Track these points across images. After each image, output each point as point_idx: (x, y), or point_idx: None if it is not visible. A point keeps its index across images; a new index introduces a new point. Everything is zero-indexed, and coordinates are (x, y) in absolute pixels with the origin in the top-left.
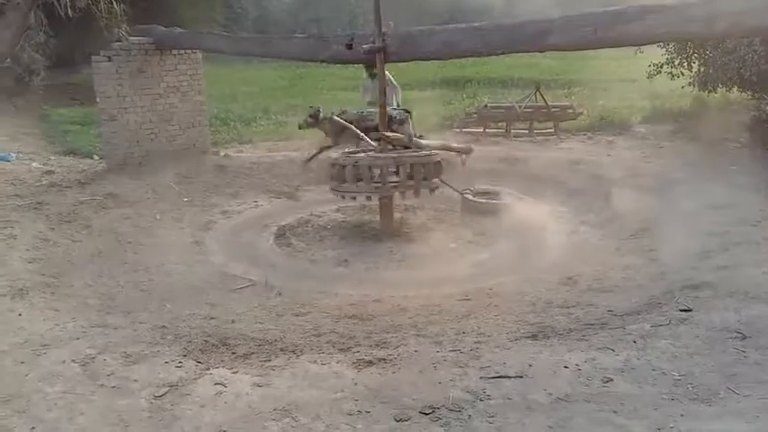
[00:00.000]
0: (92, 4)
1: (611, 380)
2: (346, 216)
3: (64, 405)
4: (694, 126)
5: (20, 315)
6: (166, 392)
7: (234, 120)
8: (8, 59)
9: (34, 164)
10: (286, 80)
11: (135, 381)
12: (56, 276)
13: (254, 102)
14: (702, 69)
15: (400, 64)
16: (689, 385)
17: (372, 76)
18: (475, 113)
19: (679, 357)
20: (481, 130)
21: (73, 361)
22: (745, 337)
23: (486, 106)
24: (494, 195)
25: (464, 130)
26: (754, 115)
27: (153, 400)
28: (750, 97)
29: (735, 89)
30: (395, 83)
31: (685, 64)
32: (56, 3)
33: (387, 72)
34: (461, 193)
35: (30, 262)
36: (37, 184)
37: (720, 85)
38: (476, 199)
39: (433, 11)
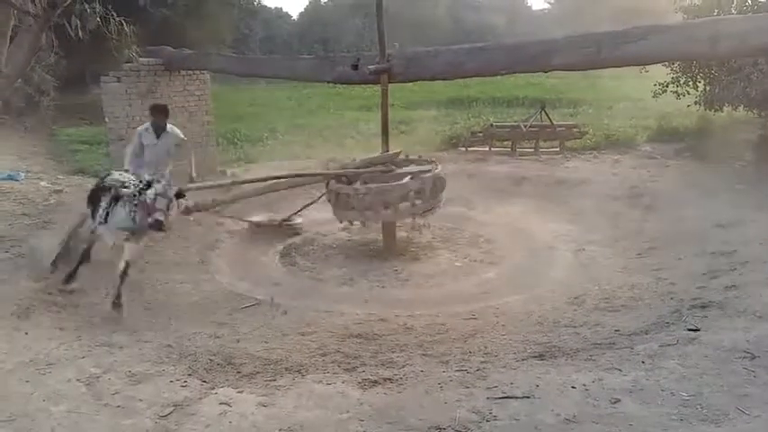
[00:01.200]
0: (102, 26)
1: (619, 400)
2: (351, 235)
3: (68, 425)
4: (700, 145)
5: (26, 334)
6: (171, 412)
7: (241, 139)
8: (19, 80)
9: (42, 183)
10: (293, 100)
11: (140, 400)
12: (61, 295)
13: (261, 122)
14: (708, 88)
15: (406, 84)
16: (698, 406)
17: (159, 130)
18: (480, 132)
19: (687, 377)
20: (487, 148)
21: (78, 380)
22: (754, 357)
23: (491, 125)
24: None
25: (469, 149)
26: (761, 134)
27: (158, 420)
28: (756, 116)
29: (741, 108)
30: (181, 135)
31: (690, 83)
32: (67, 24)
33: (172, 126)
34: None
35: (36, 281)
36: (45, 203)
37: (726, 104)
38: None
39: (437, 32)
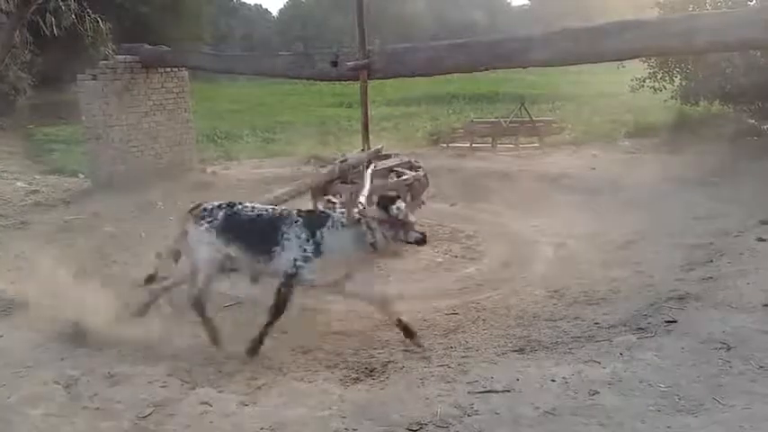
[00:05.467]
0: (77, 23)
1: (598, 392)
2: None
3: (46, 428)
4: (677, 139)
5: (1, 336)
6: (151, 413)
7: (221, 137)
8: None
9: (19, 183)
10: (273, 97)
11: (119, 402)
12: (40, 296)
13: (241, 119)
14: (684, 83)
15: (387, 80)
16: (675, 397)
17: None
18: (461, 129)
19: (665, 369)
20: (468, 144)
21: (56, 382)
22: (729, 348)
23: (472, 121)
24: None
25: (450, 145)
26: (736, 128)
27: (137, 422)
28: (731, 110)
29: (716, 102)
30: None
31: (667, 78)
32: (41, 22)
33: None
34: None
35: (13, 282)
36: (21, 203)
37: (702, 99)
38: None
39: (418, 28)
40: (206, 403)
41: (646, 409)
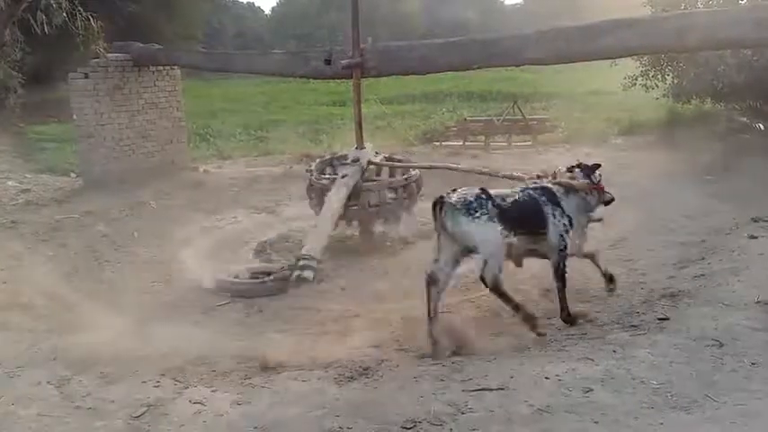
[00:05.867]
0: (69, 21)
1: (592, 390)
2: None
3: (38, 428)
4: (669, 137)
5: None
6: (144, 413)
7: (213, 135)
8: None
9: (10, 182)
10: (266, 96)
11: (112, 401)
12: (32, 296)
13: (234, 118)
14: (676, 81)
15: (381, 79)
16: (668, 394)
17: None
18: (454, 127)
19: (658, 366)
20: (461, 143)
21: (48, 382)
22: (721, 345)
23: (465, 120)
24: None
25: (444, 143)
26: (727, 126)
27: (130, 421)
28: (723, 108)
29: (708, 100)
30: None
31: (659, 76)
32: (32, 20)
33: None
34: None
35: (4, 282)
36: (12, 202)
37: (694, 97)
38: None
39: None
40: (199, 403)
41: (639, 406)
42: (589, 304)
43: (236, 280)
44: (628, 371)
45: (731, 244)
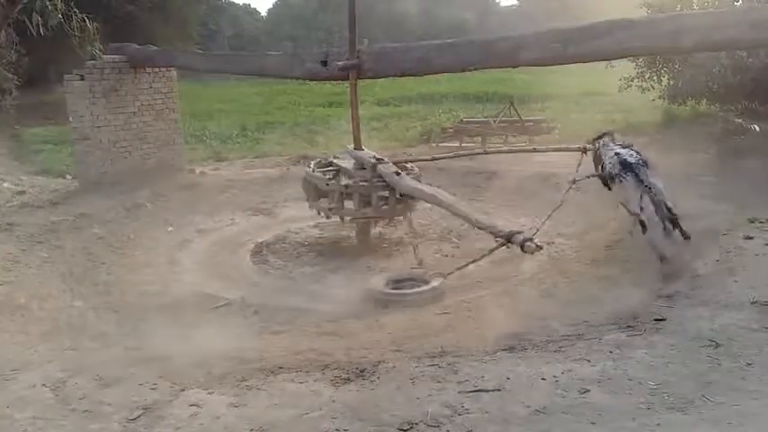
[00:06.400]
0: (64, 23)
1: (588, 391)
2: (324, 232)
3: (34, 431)
4: (665, 138)
5: None
6: (140, 415)
7: (210, 137)
8: None
9: (5, 184)
10: (263, 97)
11: (108, 404)
12: (27, 299)
13: (231, 119)
14: (671, 83)
15: (377, 80)
16: (665, 394)
17: None
18: (451, 128)
19: (654, 367)
20: (457, 144)
21: (44, 385)
22: (718, 345)
23: (461, 121)
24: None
25: (440, 144)
26: (723, 127)
27: (126, 424)
28: (718, 109)
29: (704, 102)
30: None
31: (655, 78)
32: (28, 21)
33: None
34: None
35: (0, 284)
36: (8, 204)
37: (689, 98)
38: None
39: (407, 27)
40: (195, 405)
41: (636, 406)
42: (586, 305)
43: (399, 291)
44: (624, 371)
45: (727, 245)
